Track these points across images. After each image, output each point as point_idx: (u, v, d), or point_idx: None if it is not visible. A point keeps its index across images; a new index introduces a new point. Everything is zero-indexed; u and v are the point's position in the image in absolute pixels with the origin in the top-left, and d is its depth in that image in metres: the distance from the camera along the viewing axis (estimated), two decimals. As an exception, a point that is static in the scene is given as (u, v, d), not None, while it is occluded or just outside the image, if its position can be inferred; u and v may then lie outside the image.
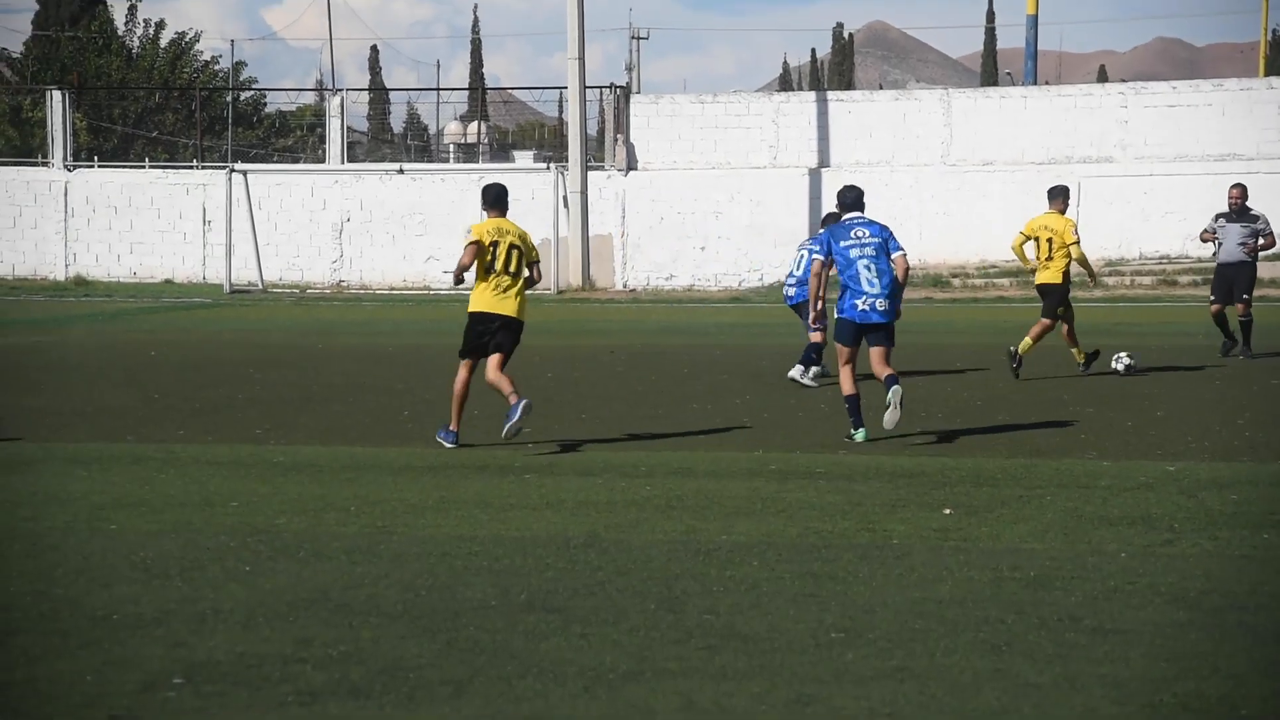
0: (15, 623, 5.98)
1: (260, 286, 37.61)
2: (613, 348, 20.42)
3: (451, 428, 11.45)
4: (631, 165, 37.83)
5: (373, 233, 38.77)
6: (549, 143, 63.83)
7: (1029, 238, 15.98)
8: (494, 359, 11.39)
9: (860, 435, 11.55)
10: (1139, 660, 5.62)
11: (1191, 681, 5.36)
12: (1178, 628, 6.03)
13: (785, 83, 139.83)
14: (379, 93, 79.81)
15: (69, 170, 40.28)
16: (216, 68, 57.63)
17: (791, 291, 16.67)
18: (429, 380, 16.10)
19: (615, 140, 38.33)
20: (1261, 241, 17.66)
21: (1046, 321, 15.81)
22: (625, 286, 37.10)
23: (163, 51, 55.12)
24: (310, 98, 63.19)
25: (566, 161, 37.46)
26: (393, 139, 73.18)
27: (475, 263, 11.33)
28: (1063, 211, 15.97)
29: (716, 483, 9.56)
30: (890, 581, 6.86)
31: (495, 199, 11.85)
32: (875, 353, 11.60)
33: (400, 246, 38.68)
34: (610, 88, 39.76)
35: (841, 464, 10.30)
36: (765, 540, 7.76)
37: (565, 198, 36.94)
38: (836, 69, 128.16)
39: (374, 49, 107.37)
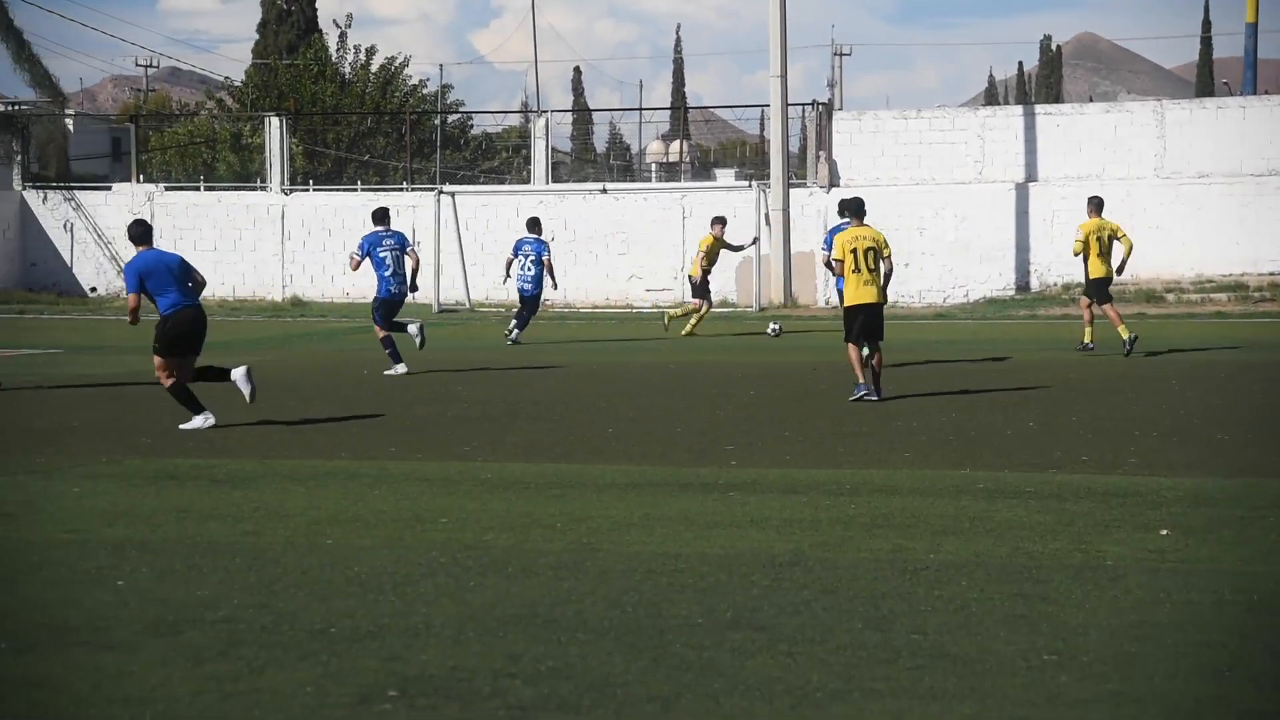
0: (239, 634, 6.17)
1: (467, 305, 38.31)
2: (815, 364, 20.31)
3: (860, 381, 15.10)
4: (834, 182, 37.66)
5: (576, 252, 39.22)
6: (750, 160, 63.88)
7: None
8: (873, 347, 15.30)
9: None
10: (1370, 689, 5.40)
11: None
12: None
13: (991, 97, 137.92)
14: (582, 113, 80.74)
15: (285, 194, 41.55)
16: (425, 92, 58.89)
17: None
18: (632, 397, 16.21)
19: (818, 157, 38.21)
20: None
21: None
22: (828, 303, 36.89)
23: (373, 77, 56.48)
24: (515, 120, 64.16)
25: (768, 179, 37.43)
26: (596, 159, 73.97)
27: (844, 264, 15.22)
28: None
29: (923, 501, 9.44)
30: (1104, 604, 6.70)
31: (855, 209, 15.63)
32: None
33: (603, 265, 39.08)
34: (812, 104, 39.69)
35: (1052, 483, 10.09)
36: (974, 560, 7.64)
37: (767, 215, 36.91)
38: (1044, 82, 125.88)
39: (577, 70, 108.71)
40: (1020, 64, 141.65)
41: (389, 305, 19.20)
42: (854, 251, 15.20)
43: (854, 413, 14.48)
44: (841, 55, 79.32)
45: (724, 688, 5.47)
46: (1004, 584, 7.10)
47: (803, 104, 40.04)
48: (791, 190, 37.01)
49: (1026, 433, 12.84)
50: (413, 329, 19.37)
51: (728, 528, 8.63)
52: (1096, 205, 20.91)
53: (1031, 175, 36.68)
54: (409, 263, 19.15)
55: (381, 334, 19.23)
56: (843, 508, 9.20)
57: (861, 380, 15.12)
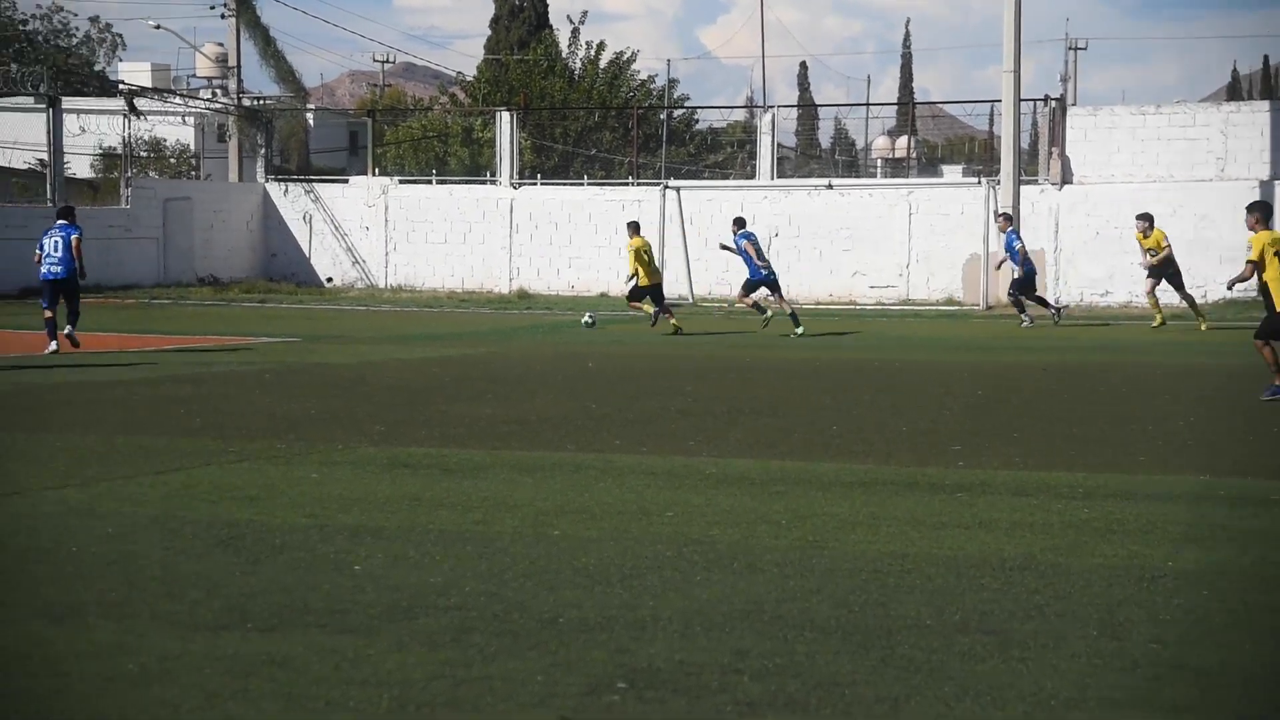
0: (471, 622, 6.28)
1: (690, 300, 38.46)
2: (1045, 365, 19.91)
3: (1275, 383, 14.87)
4: (1066, 179, 36.85)
5: (800, 248, 39.08)
6: (978, 157, 62.88)
7: None
8: None
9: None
10: None
11: None
12: None
13: (1234, 91, 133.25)
14: (808, 109, 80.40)
15: (514, 188, 42.22)
16: (652, 87, 59.26)
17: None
18: (857, 394, 16.09)
19: (1050, 153, 37.44)
20: None
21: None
22: (1058, 302, 36.15)
23: (601, 72, 57.04)
24: (740, 115, 64.21)
25: (997, 175, 36.80)
26: (820, 154, 73.61)
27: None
28: None
29: (1160, 507, 9.18)
30: (1356, 619, 6.43)
31: (1266, 212, 15.84)
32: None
33: (827, 261, 38.88)
34: (1044, 100, 38.87)
35: (1297, 492, 9.72)
36: (1215, 569, 7.39)
37: (996, 212, 36.27)
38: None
39: (803, 65, 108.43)
40: (1265, 58, 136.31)
41: (43, 285, 21.74)
42: (1275, 254, 15.22)
43: (1086, 415, 14.14)
44: (1076, 49, 77.53)
45: (954, 692, 5.38)
46: (1248, 595, 6.86)
47: (1035, 99, 39.26)
48: (1022, 187, 36.33)
49: (1272, 438, 12.39)
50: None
51: (955, 529, 8.50)
52: (738, 222, 27.14)
53: (1277, 173, 35.38)
54: (74, 249, 21.59)
55: (47, 315, 21.35)
56: (1075, 511, 8.99)
57: (1277, 382, 14.87)
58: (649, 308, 27.69)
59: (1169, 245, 28.51)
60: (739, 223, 28.28)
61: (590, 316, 29.11)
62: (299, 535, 8.12)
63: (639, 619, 6.34)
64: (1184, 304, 28.85)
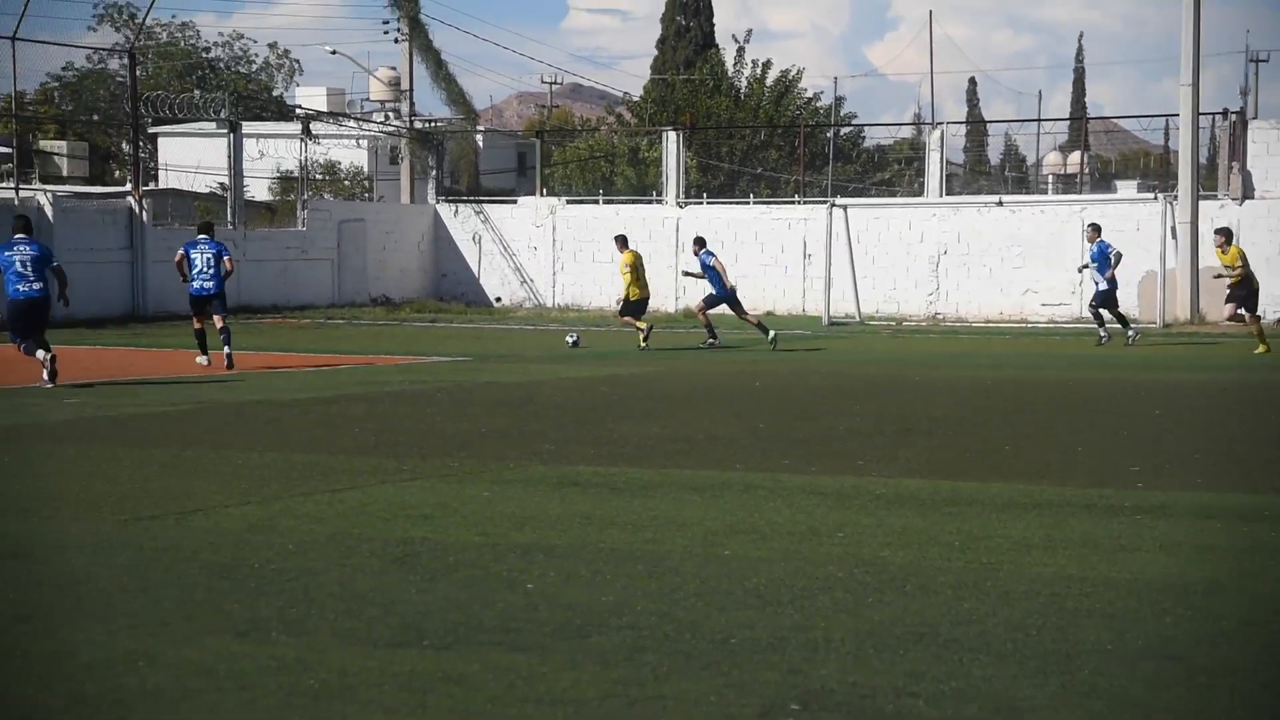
0: (643, 641, 6.29)
1: (857, 319, 38.20)
2: (1225, 384, 19.41)
3: None
4: (1247, 194, 35.92)
5: (969, 265, 38.61)
6: (1153, 172, 61.59)
7: None
8: None
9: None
10: None
11: None
12: None
13: None
14: (977, 125, 79.47)
15: (680, 207, 42.33)
16: (818, 104, 59.06)
17: None
18: (1030, 414, 15.82)
19: (1230, 168, 36.54)
20: None
21: None
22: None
23: (768, 90, 56.99)
24: (908, 131, 63.68)
25: (1173, 190, 36.02)
26: (990, 171, 72.66)
27: None
28: None
29: (1350, 532, 8.86)
30: None
31: None
32: None
33: (997, 279, 38.35)
34: (1224, 114, 37.96)
35: None
36: None
37: (1173, 228, 35.54)
38: None
39: (972, 81, 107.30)
40: None
41: (193, 300, 22.67)
42: None
43: (1270, 435, 13.74)
44: (1257, 61, 75.54)
45: (1138, 719, 5.26)
46: None
47: (1213, 113, 38.34)
48: (1201, 202, 35.50)
49: None
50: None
51: (1135, 552, 8.30)
52: (699, 242, 28.55)
53: None
54: (226, 267, 22.57)
55: (196, 325, 22.67)
56: (1262, 534, 8.73)
57: None
58: (642, 324, 28.02)
59: (1243, 264, 26.27)
60: (700, 242, 28.73)
61: (574, 336, 28.77)
62: (472, 553, 8.21)
63: (811, 640, 6.30)
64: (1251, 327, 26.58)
